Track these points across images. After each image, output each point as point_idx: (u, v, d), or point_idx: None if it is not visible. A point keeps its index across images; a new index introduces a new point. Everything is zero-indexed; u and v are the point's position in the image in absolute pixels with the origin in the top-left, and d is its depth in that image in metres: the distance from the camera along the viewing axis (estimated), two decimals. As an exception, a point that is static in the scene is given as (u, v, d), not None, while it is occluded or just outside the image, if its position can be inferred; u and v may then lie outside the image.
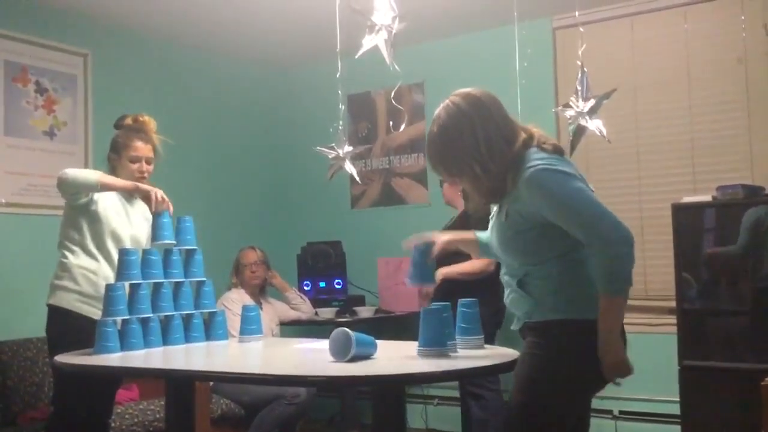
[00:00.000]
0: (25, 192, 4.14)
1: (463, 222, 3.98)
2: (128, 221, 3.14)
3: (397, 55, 2.90)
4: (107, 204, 3.08)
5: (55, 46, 4.34)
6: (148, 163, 3.16)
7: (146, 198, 3.00)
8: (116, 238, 3.07)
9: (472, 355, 2.35)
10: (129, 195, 3.19)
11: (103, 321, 2.75)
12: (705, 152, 4.29)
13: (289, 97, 5.75)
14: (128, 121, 3.22)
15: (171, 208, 3.00)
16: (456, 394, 4.25)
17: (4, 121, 4.08)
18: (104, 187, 2.96)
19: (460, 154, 2.06)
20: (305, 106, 5.60)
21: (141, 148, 3.14)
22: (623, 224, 1.94)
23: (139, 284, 2.89)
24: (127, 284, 2.87)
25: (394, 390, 2.29)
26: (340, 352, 2.26)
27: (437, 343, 2.28)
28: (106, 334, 2.72)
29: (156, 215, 2.99)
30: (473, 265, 3.78)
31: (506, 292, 2.17)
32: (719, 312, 3.78)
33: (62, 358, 2.67)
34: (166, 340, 2.94)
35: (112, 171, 3.16)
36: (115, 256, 2.97)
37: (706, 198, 3.75)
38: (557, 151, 2.07)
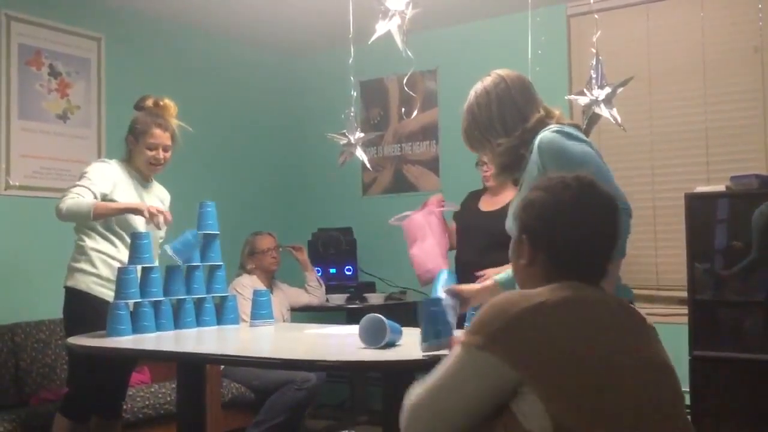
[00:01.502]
0: (38, 175, 4.16)
1: (473, 201, 3.98)
2: None
3: (410, 41, 2.88)
4: (124, 195, 3.10)
5: (69, 29, 4.35)
6: (165, 150, 3.17)
7: (140, 215, 2.98)
8: (133, 226, 3.08)
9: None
10: (144, 181, 3.21)
11: (115, 304, 2.77)
12: (719, 142, 4.25)
13: (301, 82, 5.74)
14: (149, 102, 3.21)
15: (169, 218, 2.98)
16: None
17: (17, 104, 4.09)
18: (97, 216, 2.96)
19: (479, 128, 2.21)
20: (317, 92, 5.59)
21: (159, 135, 3.15)
22: (624, 196, 2.00)
23: (151, 267, 2.91)
24: (139, 267, 2.89)
25: (405, 376, 2.29)
26: (374, 339, 2.25)
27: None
28: (118, 317, 2.74)
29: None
30: None
31: None
32: (731, 303, 3.76)
33: (74, 340, 2.69)
34: (177, 324, 2.96)
35: (129, 153, 3.20)
36: None
37: (720, 188, 3.72)
38: (574, 126, 2.18)
